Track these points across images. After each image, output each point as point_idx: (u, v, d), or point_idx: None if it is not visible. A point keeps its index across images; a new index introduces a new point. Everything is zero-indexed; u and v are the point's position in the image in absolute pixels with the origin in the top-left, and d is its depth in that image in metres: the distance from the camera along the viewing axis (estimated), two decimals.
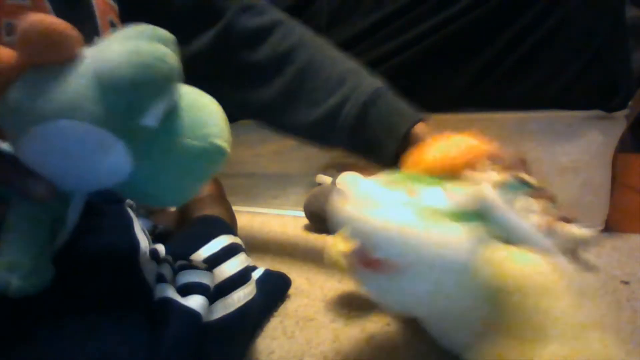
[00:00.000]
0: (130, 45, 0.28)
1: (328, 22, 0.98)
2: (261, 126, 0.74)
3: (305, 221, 0.99)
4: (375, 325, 0.53)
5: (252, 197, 1.17)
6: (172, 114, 0.31)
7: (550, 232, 0.39)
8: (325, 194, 0.95)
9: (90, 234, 0.38)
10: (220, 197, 0.68)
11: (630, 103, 0.86)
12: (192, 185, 0.34)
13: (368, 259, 0.38)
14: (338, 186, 0.95)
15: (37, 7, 0.40)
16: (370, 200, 0.38)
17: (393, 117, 0.62)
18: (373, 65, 0.93)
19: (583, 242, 0.42)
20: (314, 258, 0.77)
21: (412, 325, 0.53)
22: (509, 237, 0.38)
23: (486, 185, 0.40)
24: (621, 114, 0.86)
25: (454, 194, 0.40)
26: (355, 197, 0.38)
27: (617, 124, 0.87)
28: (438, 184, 0.41)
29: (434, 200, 0.39)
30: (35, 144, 0.27)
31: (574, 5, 0.82)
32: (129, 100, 0.28)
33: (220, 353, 0.40)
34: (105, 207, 0.43)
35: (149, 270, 0.38)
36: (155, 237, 0.75)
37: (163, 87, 0.29)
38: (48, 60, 0.27)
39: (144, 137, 0.29)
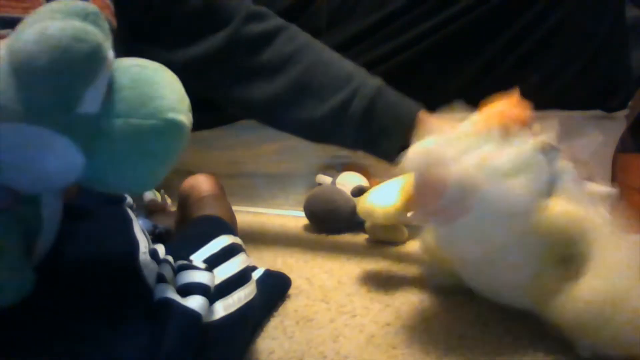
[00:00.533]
0: (40, 28, 0.24)
1: (328, 22, 0.98)
2: (265, 124, 0.75)
3: (305, 221, 0.99)
4: (375, 325, 0.53)
5: (252, 197, 1.17)
6: (114, 94, 0.28)
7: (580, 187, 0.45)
8: (325, 194, 0.95)
9: (90, 234, 0.38)
10: (220, 197, 0.68)
11: (630, 103, 0.86)
12: (156, 167, 0.31)
13: (437, 208, 0.44)
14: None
15: (31, 1, 0.40)
16: (440, 153, 0.44)
17: (399, 108, 0.66)
18: (373, 65, 0.93)
19: (603, 198, 0.49)
20: (314, 258, 0.77)
21: (412, 325, 0.53)
22: (557, 189, 0.44)
23: (542, 138, 0.46)
24: (621, 114, 0.86)
25: (511, 147, 0.44)
26: (425, 152, 0.45)
27: (617, 124, 0.87)
28: (493, 141, 0.45)
29: (495, 155, 0.43)
30: None
31: (573, 5, 0.82)
32: (53, 90, 0.25)
33: (221, 353, 0.40)
34: (104, 207, 0.43)
35: (149, 270, 0.38)
36: (155, 237, 0.75)
37: (89, 68, 0.26)
38: None
39: (89, 126, 0.27)
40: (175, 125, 0.29)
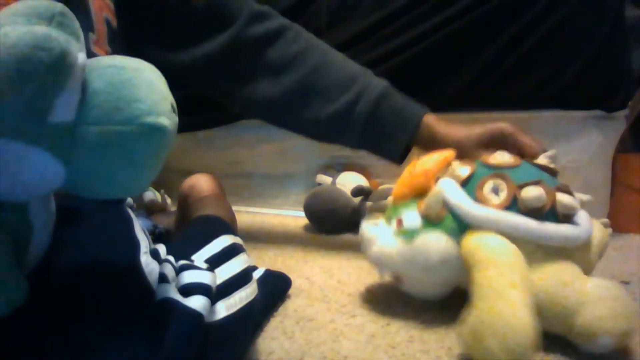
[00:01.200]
0: (0, 36, 0.23)
1: (328, 22, 0.98)
2: (269, 124, 0.75)
3: (305, 221, 0.99)
4: (375, 325, 0.53)
5: (252, 197, 1.17)
6: (88, 100, 0.27)
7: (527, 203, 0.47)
8: (325, 194, 0.95)
9: (90, 235, 0.38)
10: (220, 197, 0.68)
11: (630, 103, 0.86)
12: (138, 174, 0.30)
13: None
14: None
15: None
16: (368, 238, 0.56)
17: (405, 110, 0.67)
18: (373, 65, 0.93)
19: (583, 204, 0.52)
20: (314, 258, 0.77)
21: (412, 325, 0.53)
22: (472, 223, 0.48)
23: (439, 187, 0.51)
24: (621, 114, 0.86)
25: (422, 208, 0.51)
26: (363, 238, 0.57)
27: (617, 124, 0.87)
28: (414, 205, 0.52)
29: (411, 220, 0.51)
30: None
31: (574, 5, 0.82)
32: (20, 101, 0.23)
33: (222, 353, 0.40)
34: (104, 207, 0.43)
35: (150, 270, 0.38)
36: (155, 237, 0.75)
37: (55, 77, 0.24)
38: None
39: (64, 135, 0.26)
40: (154, 129, 0.28)
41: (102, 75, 0.28)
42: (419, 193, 0.52)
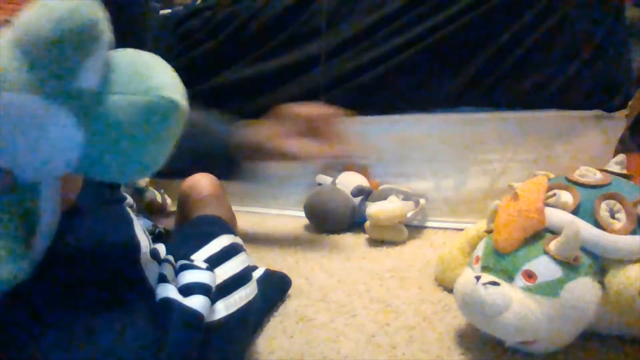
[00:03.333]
0: (41, 3, 0.26)
1: (328, 22, 0.98)
2: None
3: (305, 221, 0.99)
4: (375, 325, 0.53)
5: (252, 197, 1.17)
6: (111, 72, 0.29)
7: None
8: (325, 194, 0.95)
9: (90, 235, 0.38)
10: (220, 197, 0.67)
11: (630, 103, 0.86)
12: (152, 147, 0.31)
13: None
14: None
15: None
16: (492, 304, 0.43)
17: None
18: (373, 65, 0.94)
19: None
20: (314, 258, 0.77)
21: (412, 325, 0.53)
22: (612, 257, 0.43)
23: (572, 223, 0.43)
24: (621, 114, 0.86)
25: (554, 252, 0.43)
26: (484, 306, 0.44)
27: (617, 124, 0.87)
28: (538, 250, 0.44)
29: (546, 270, 0.43)
30: None
31: (573, 5, 0.82)
32: (53, 60, 0.26)
33: (222, 352, 0.40)
34: (104, 207, 0.43)
35: (150, 270, 0.38)
36: (155, 237, 0.75)
37: (87, 41, 0.27)
38: None
39: (87, 102, 0.28)
40: (171, 102, 0.29)
41: (124, 55, 0.30)
42: (532, 234, 0.45)
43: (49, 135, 0.28)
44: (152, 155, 0.31)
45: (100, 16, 0.27)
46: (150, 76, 0.30)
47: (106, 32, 0.28)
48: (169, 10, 1.24)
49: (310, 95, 0.94)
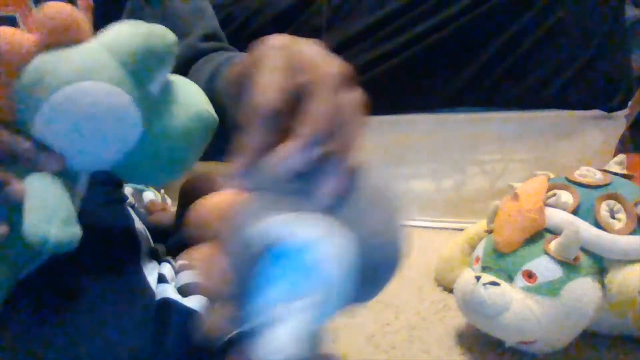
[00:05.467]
0: (134, 23, 0.31)
1: (328, 22, 0.98)
2: None
3: None
4: (375, 325, 0.53)
5: None
6: (167, 84, 0.34)
7: None
8: None
9: (91, 234, 0.38)
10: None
11: (630, 103, 0.86)
12: (188, 154, 0.35)
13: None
14: None
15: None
16: (491, 304, 0.44)
17: None
18: (373, 65, 0.93)
19: None
20: None
21: (412, 325, 0.53)
22: (612, 257, 0.44)
23: (572, 223, 0.44)
24: (621, 114, 0.86)
25: (555, 252, 0.43)
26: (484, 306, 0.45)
27: (617, 124, 0.87)
28: (538, 250, 0.44)
29: (547, 271, 0.44)
30: (59, 110, 0.29)
31: (573, 5, 0.82)
32: (140, 66, 0.31)
33: (221, 353, 0.40)
34: (105, 207, 0.43)
35: (150, 269, 0.38)
36: (155, 237, 0.75)
37: (166, 57, 0.32)
38: (63, 41, 0.30)
39: (148, 104, 0.32)
40: (212, 116, 0.34)
41: (172, 76, 0.35)
42: (532, 234, 0.45)
43: (120, 130, 0.31)
44: (187, 161, 0.35)
45: (175, 39, 0.33)
46: (197, 93, 0.35)
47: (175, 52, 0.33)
48: None
49: None
